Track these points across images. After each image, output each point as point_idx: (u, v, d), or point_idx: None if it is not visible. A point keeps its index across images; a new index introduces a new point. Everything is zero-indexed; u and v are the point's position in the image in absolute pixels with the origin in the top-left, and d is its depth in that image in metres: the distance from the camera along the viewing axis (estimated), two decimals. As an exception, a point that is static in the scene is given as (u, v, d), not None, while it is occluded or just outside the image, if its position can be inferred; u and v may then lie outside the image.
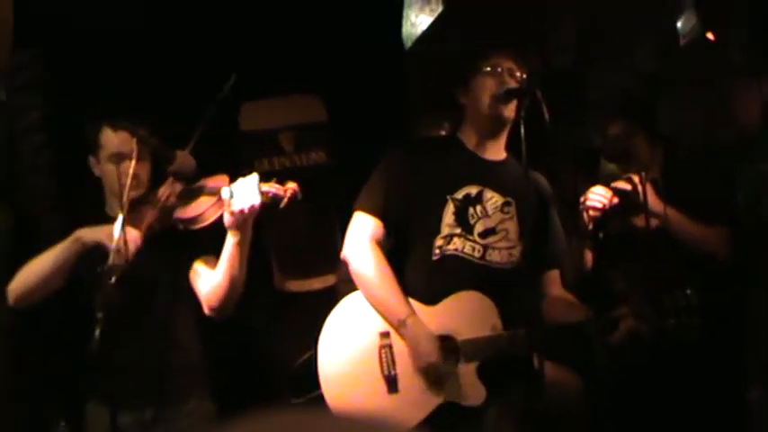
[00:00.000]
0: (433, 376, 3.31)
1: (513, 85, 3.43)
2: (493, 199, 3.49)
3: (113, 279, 3.00)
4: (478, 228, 3.45)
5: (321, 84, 4.81)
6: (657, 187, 3.84)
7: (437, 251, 3.43)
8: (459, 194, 3.46)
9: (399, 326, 3.34)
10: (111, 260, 3.05)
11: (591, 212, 3.75)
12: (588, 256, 3.95)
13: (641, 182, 3.73)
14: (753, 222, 3.94)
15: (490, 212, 3.47)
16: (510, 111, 3.44)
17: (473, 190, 3.48)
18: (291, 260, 4.84)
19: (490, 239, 3.45)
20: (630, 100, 4.28)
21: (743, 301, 3.92)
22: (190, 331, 3.57)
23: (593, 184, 3.83)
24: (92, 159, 3.57)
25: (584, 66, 4.66)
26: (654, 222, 3.75)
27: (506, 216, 3.49)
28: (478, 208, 3.47)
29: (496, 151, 3.58)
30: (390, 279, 3.39)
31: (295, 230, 4.76)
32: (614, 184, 3.80)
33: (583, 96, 4.62)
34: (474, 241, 3.44)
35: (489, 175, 3.52)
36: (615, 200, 3.76)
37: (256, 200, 3.15)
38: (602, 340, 3.38)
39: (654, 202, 3.77)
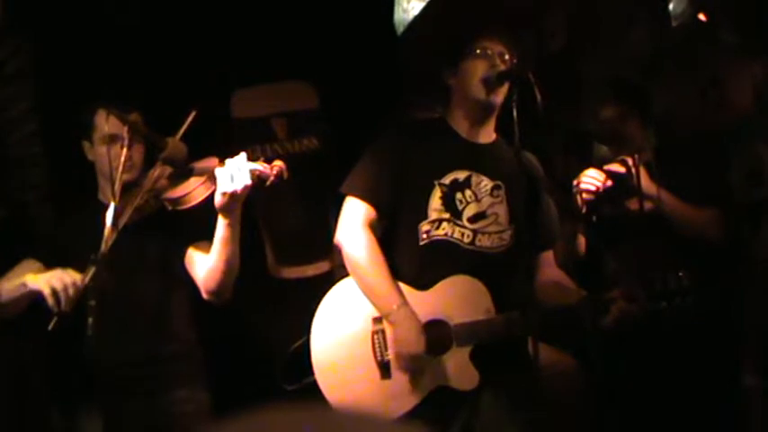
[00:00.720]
0: (418, 366, 3.31)
1: (503, 68, 3.41)
2: (482, 183, 3.47)
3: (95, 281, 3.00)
4: (467, 213, 3.44)
5: (313, 70, 4.79)
6: (650, 170, 3.84)
7: (424, 236, 3.42)
8: (447, 179, 3.45)
9: (388, 315, 3.33)
10: (51, 302, 3.06)
11: (584, 195, 3.73)
12: (581, 239, 3.94)
13: (634, 164, 3.74)
14: (746, 203, 3.94)
15: (479, 197, 3.46)
16: (500, 94, 3.41)
17: (461, 175, 3.47)
18: (285, 247, 4.83)
19: (480, 224, 3.44)
20: (623, 83, 4.27)
21: (736, 285, 3.93)
22: (182, 317, 3.57)
23: (587, 167, 3.82)
24: (86, 144, 3.58)
25: (577, 49, 4.65)
26: (647, 205, 3.75)
27: (496, 200, 3.47)
28: (467, 193, 3.45)
29: (486, 134, 3.56)
30: (382, 266, 3.37)
31: (288, 217, 4.76)
32: (607, 167, 3.79)
33: (575, 79, 4.62)
34: (463, 226, 3.42)
35: (478, 159, 3.50)
36: (608, 182, 3.75)
37: (246, 180, 3.14)
38: (595, 322, 3.37)
39: (647, 184, 3.78)
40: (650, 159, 3.95)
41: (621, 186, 3.78)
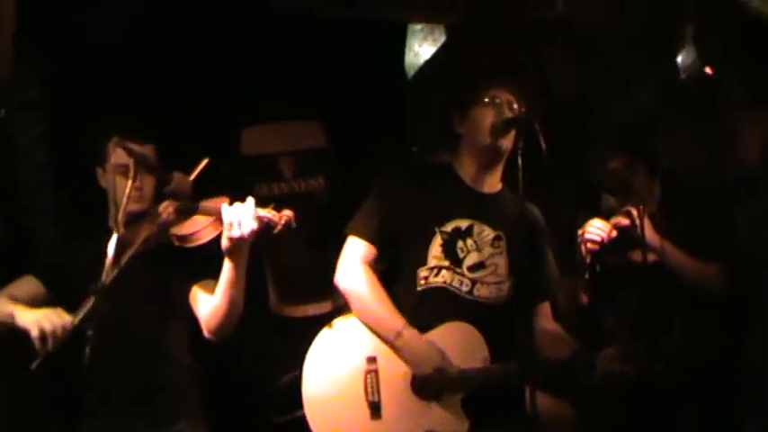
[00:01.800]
0: (444, 384, 3.29)
1: (511, 115, 3.45)
2: (484, 233, 3.50)
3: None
4: (468, 261, 3.46)
5: (323, 110, 4.82)
6: (655, 221, 3.84)
7: (422, 282, 3.45)
8: (449, 227, 3.48)
9: (396, 338, 3.35)
10: (37, 344, 3.06)
11: (589, 245, 3.75)
12: (582, 293, 3.94)
13: (639, 215, 3.73)
14: (754, 260, 3.93)
15: (480, 246, 3.48)
16: (508, 141, 3.46)
17: (463, 224, 3.50)
18: (288, 285, 4.83)
19: (479, 274, 3.46)
20: (631, 133, 4.28)
21: (739, 339, 3.91)
22: (182, 351, 3.56)
23: (594, 216, 3.83)
24: (99, 170, 3.61)
25: (585, 99, 4.67)
26: (651, 257, 3.75)
27: (496, 251, 3.50)
28: (468, 241, 3.48)
29: (492, 183, 3.60)
30: (383, 296, 3.41)
31: (292, 256, 4.76)
32: (613, 219, 3.79)
33: (583, 129, 4.63)
34: (462, 275, 3.45)
35: (481, 208, 3.53)
36: (613, 233, 3.76)
37: (252, 225, 3.17)
38: (587, 378, 3.38)
39: (651, 236, 3.77)
40: (655, 211, 3.95)
41: (626, 237, 3.77)
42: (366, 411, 3.35)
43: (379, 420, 3.34)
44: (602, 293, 3.92)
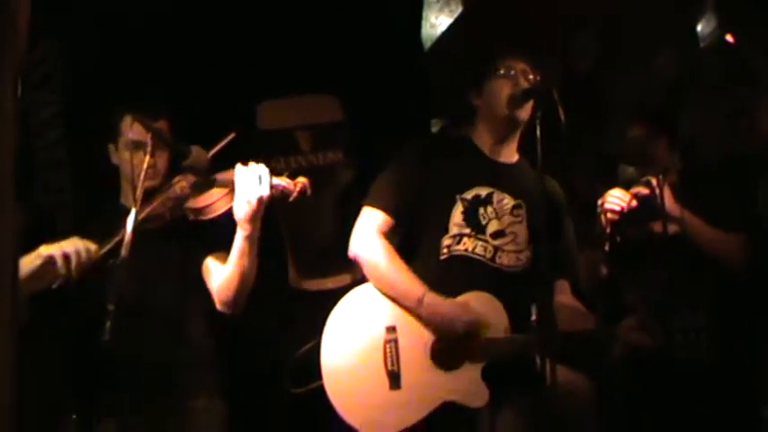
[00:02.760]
0: (481, 332, 3.28)
1: (527, 85, 3.43)
2: (504, 201, 3.49)
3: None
4: (490, 228, 3.44)
5: (339, 83, 4.80)
6: (676, 191, 3.81)
7: (445, 250, 3.43)
8: (469, 195, 3.46)
9: (419, 304, 3.33)
10: (60, 264, 3.05)
11: (609, 215, 3.74)
12: (602, 266, 3.92)
13: (659, 185, 3.71)
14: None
15: (500, 214, 3.47)
16: (525, 112, 3.45)
17: (483, 191, 3.48)
18: (307, 259, 4.83)
19: (499, 241, 3.45)
20: (650, 103, 4.25)
21: (758, 314, 3.88)
22: (200, 326, 3.55)
23: (612, 188, 3.80)
24: (111, 147, 3.60)
25: (604, 69, 4.64)
26: (671, 227, 3.72)
27: (516, 219, 3.48)
28: (489, 209, 3.46)
29: (509, 153, 3.58)
30: (400, 263, 3.39)
31: (311, 229, 4.76)
32: (633, 188, 3.77)
33: (603, 100, 4.60)
34: (486, 241, 3.43)
35: (500, 177, 3.52)
36: (633, 203, 3.73)
37: (265, 191, 3.16)
38: (607, 350, 3.37)
39: (672, 206, 3.74)
40: (676, 181, 3.92)
41: (646, 207, 3.75)
42: (385, 381, 3.33)
43: (398, 390, 3.32)
44: (622, 265, 3.90)
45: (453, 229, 3.43)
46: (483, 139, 3.57)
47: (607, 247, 3.83)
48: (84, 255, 3.06)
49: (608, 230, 3.75)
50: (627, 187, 3.81)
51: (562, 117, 3.13)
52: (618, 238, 3.77)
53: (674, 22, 4.55)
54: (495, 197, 3.48)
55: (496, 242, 3.44)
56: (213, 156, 3.29)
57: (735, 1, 4.45)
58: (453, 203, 3.45)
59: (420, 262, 3.45)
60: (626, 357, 3.41)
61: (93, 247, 3.10)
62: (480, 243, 3.43)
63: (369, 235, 3.43)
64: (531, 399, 3.26)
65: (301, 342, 3.66)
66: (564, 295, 3.58)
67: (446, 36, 4.58)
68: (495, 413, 3.32)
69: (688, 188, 3.90)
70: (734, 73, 4.41)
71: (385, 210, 3.44)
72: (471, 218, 3.44)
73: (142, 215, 3.17)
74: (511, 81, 3.48)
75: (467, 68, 3.68)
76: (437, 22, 4.63)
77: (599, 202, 3.77)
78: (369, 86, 4.70)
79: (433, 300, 3.33)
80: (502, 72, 3.50)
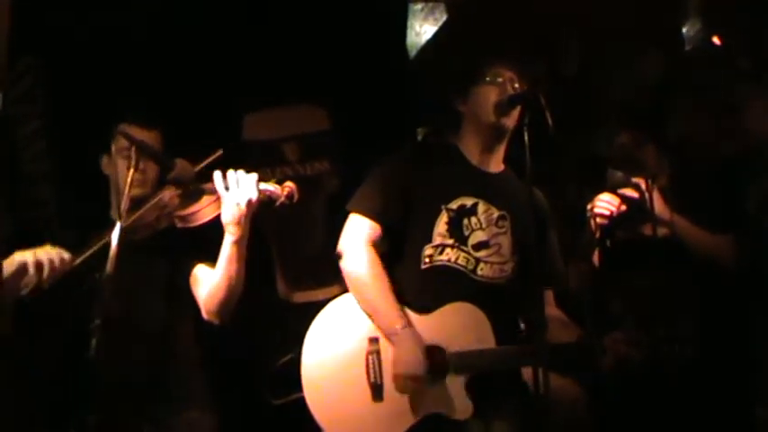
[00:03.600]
0: (413, 391, 3.27)
1: (513, 92, 3.42)
2: (489, 211, 3.48)
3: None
4: (472, 240, 3.43)
5: (325, 93, 4.80)
6: (665, 195, 3.81)
7: (426, 260, 3.41)
8: (454, 205, 3.45)
9: (391, 334, 3.31)
10: (31, 271, 3.03)
11: (598, 220, 3.73)
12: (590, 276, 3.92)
13: (648, 189, 3.71)
14: (762, 231, 3.90)
15: (484, 225, 3.45)
16: (511, 119, 3.44)
17: (468, 201, 3.47)
18: (295, 271, 4.82)
19: (482, 253, 3.44)
20: (638, 107, 4.25)
21: (748, 315, 3.88)
22: (189, 338, 3.54)
23: (601, 192, 3.80)
24: (104, 158, 3.60)
25: (591, 73, 4.64)
26: (661, 230, 3.72)
27: (500, 230, 3.48)
28: (473, 220, 3.45)
29: (495, 163, 3.57)
30: (384, 284, 3.36)
31: (299, 241, 4.75)
32: (621, 191, 3.77)
33: (589, 104, 4.60)
34: (468, 253, 3.41)
35: (486, 187, 3.51)
36: (622, 207, 3.73)
37: (253, 194, 3.16)
38: (593, 363, 3.36)
39: (661, 209, 3.75)
40: (665, 184, 3.92)
41: (635, 211, 3.75)
42: (368, 393, 3.31)
43: (380, 402, 3.30)
44: (611, 271, 3.89)
45: (437, 239, 3.41)
46: (469, 147, 3.56)
47: (596, 253, 3.83)
48: (57, 263, 3.05)
49: (597, 235, 3.74)
50: (615, 191, 3.80)
51: (550, 123, 3.13)
52: (608, 243, 3.76)
53: (661, 24, 4.55)
54: (481, 208, 3.47)
55: (478, 254, 3.43)
56: (199, 171, 3.28)
57: (720, 3, 4.46)
58: (438, 213, 3.43)
59: (402, 270, 3.44)
60: (613, 369, 3.39)
61: (67, 256, 3.09)
62: (463, 254, 3.42)
63: (357, 245, 3.40)
64: (522, 411, 3.25)
65: (288, 353, 3.64)
66: (548, 306, 3.56)
67: (431, 44, 4.59)
68: (487, 426, 3.30)
69: (677, 191, 3.90)
70: (720, 74, 4.41)
71: (373, 217, 3.42)
72: (455, 228, 3.42)
73: (129, 222, 3.15)
74: (498, 88, 3.47)
75: (452, 76, 3.66)
76: (422, 31, 4.64)
77: (588, 206, 3.76)
78: (355, 95, 4.70)
79: (406, 335, 3.29)
80: (488, 79, 3.49)
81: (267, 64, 4.64)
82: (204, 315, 3.42)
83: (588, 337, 3.41)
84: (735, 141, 4.19)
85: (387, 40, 4.70)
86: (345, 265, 3.41)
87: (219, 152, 3.34)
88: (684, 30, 4.57)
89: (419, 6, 4.76)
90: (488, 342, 3.33)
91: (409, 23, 4.78)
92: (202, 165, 3.32)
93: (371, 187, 3.49)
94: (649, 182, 3.73)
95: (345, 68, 4.68)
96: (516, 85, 3.47)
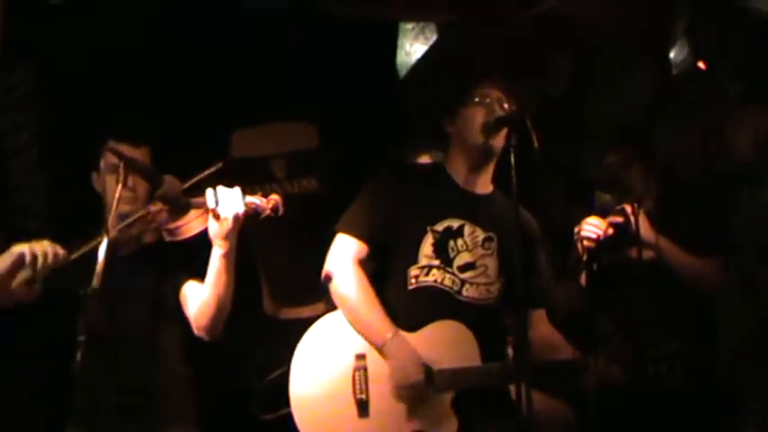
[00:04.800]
0: (413, 399, 3.27)
1: (501, 113, 3.43)
2: (475, 233, 3.48)
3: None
4: (458, 261, 3.44)
5: (314, 111, 4.81)
6: (652, 217, 3.83)
7: (413, 281, 3.42)
8: (440, 227, 3.46)
9: (382, 346, 3.31)
10: (33, 267, 3.04)
11: (585, 243, 3.74)
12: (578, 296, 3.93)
13: (633, 212, 3.72)
14: (752, 251, 3.92)
15: (470, 247, 3.46)
16: (499, 140, 3.43)
17: (454, 223, 3.47)
18: (282, 288, 4.81)
19: (468, 274, 3.45)
20: (625, 129, 4.28)
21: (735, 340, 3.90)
22: (175, 353, 3.54)
23: (588, 214, 3.81)
24: (94, 175, 3.61)
25: (579, 95, 4.66)
26: (647, 253, 3.73)
27: (487, 252, 3.48)
28: (459, 241, 3.46)
29: (483, 184, 3.57)
30: (372, 299, 3.37)
31: (286, 258, 4.75)
32: (609, 218, 3.78)
33: (577, 126, 4.62)
34: (453, 274, 3.42)
35: (473, 209, 3.51)
36: (609, 231, 3.74)
37: (240, 208, 3.17)
38: (578, 382, 3.38)
39: (647, 232, 3.77)
40: (651, 207, 3.93)
41: (622, 235, 3.76)
42: (353, 409, 3.31)
43: (366, 419, 3.30)
44: (598, 293, 3.90)
45: (423, 260, 3.42)
46: (457, 168, 3.56)
47: (583, 275, 3.84)
48: (51, 257, 3.06)
49: (584, 258, 3.75)
50: (604, 214, 3.81)
51: (536, 145, 3.14)
52: (594, 266, 3.77)
53: (649, 45, 4.58)
54: (467, 229, 3.48)
55: (464, 275, 3.44)
56: (188, 187, 3.29)
57: (706, 28, 4.49)
58: (424, 234, 3.44)
59: (389, 290, 3.44)
60: (599, 389, 3.40)
61: (62, 251, 3.10)
62: (448, 275, 3.42)
63: (344, 264, 3.40)
64: (501, 429, 3.25)
65: (275, 370, 3.64)
66: (542, 325, 3.58)
67: (421, 64, 4.60)
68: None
69: (664, 214, 3.91)
70: (706, 97, 4.44)
71: (360, 237, 3.43)
72: (441, 250, 3.43)
73: (114, 233, 3.15)
74: (485, 109, 3.46)
75: (441, 96, 3.67)
76: (412, 50, 4.65)
77: (575, 229, 3.77)
78: (344, 114, 4.71)
79: (398, 345, 3.30)
80: (477, 100, 3.49)
81: (255, 82, 4.64)
82: (195, 331, 3.43)
83: (575, 356, 3.43)
84: (720, 163, 4.22)
85: (377, 59, 4.71)
86: (334, 284, 3.41)
87: (213, 168, 3.36)
88: (672, 54, 4.59)
89: (410, 26, 4.78)
90: (474, 360, 3.34)
91: (399, 43, 4.80)
92: (192, 181, 3.33)
93: (359, 208, 3.50)
94: (635, 205, 3.74)
95: (335, 87, 4.69)
96: (505, 105, 3.47)
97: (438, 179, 3.56)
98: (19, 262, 3.05)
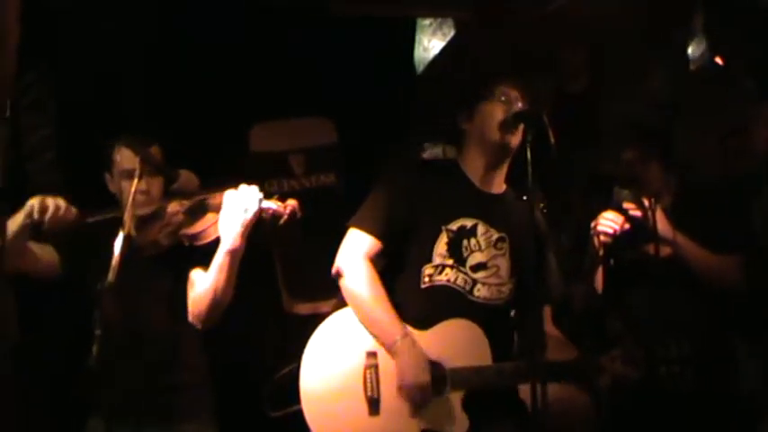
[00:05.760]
0: (419, 401, 3.28)
1: (518, 109, 3.42)
2: (487, 233, 3.48)
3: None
4: (470, 261, 3.43)
5: (333, 106, 4.81)
6: (669, 214, 3.80)
7: (426, 279, 3.42)
8: (454, 226, 3.45)
9: (392, 345, 3.31)
10: (40, 214, 3.08)
11: (602, 237, 3.73)
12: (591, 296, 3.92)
13: (651, 207, 3.70)
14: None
15: (483, 247, 3.46)
16: (515, 138, 3.42)
17: (468, 222, 3.47)
18: (299, 283, 4.83)
19: (480, 274, 3.44)
20: (644, 125, 4.25)
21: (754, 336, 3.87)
22: (193, 350, 3.56)
23: (605, 209, 3.80)
24: (107, 176, 3.63)
25: (597, 91, 4.64)
26: (664, 250, 3.72)
27: (499, 252, 3.48)
28: (472, 241, 3.45)
29: (497, 183, 3.57)
30: (383, 297, 3.36)
31: (303, 253, 4.75)
32: (625, 205, 3.77)
33: (595, 122, 4.60)
34: (466, 274, 3.42)
35: (486, 208, 3.50)
36: (626, 225, 3.73)
37: (254, 207, 3.19)
38: (591, 381, 3.37)
39: (664, 228, 3.74)
40: (669, 204, 3.91)
41: (639, 230, 3.74)
42: (364, 407, 3.30)
43: (377, 417, 3.30)
44: (613, 289, 3.89)
45: (436, 259, 3.41)
46: (472, 166, 3.54)
47: (601, 270, 3.82)
48: (62, 211, 3.10)
49: (601, 253, 3.74)
50: (621, 209, 3.80)
51: (552, 141, 3.13)
52: (611, 261, 3.75)
53: (668, 42, 4.56)
54: (480, 229, 3.47)
55: (476, 275, 3.44)
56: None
57: (723, 24, 4.47)
58: (438, 233, 3.43)
59: (402, 288, 3.43)
60: (611, 388, 3.40)
61: (74, 210, 3.14)
62: (461, 275, 3.42)
63: (356, 259, 3.40)
64: (512, 429, 3.26)
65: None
66: (545, 324, 3.56)
67: (439, 59, 4.60)
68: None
69: (682, 210, 3.89)
70: (725, 95, 4.41)
71: (373, 233, 3.42)
72: (455, 249, 3.42)
73: (129, 227, 3.16)
74: (503, 106, 3.45)
75: (458, 92, 3.66)
76: (430, 46, 4.65)
77: (592, 224, 3.76)
78: (362, 109, 4.71)
79: (407, 345, 3.30)
80: (494, 96, 3.48)
81: (274, 77, 4.65)
82: (189, 317, 3.44)
83: (585, 356, 3.42)
84: (739, 161, 4.19)
85: (395, 52, 4.72)
86: (344, 280, 3.42)
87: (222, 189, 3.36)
88: (689, 50, 4.57)
89: (427, 21, 4.78)
90: (485, 359, 3.34)
91: (417, 38, 4.80)
92: (194, 200, 3.35)
93: (372, 204, 3.49)
94: (652, 200, 3.72)
95: (353, 82, 4.69)
96: (520, 104, 3.46)
97: (452, 177, 3.55)
98: (30, 215, 3.08)
